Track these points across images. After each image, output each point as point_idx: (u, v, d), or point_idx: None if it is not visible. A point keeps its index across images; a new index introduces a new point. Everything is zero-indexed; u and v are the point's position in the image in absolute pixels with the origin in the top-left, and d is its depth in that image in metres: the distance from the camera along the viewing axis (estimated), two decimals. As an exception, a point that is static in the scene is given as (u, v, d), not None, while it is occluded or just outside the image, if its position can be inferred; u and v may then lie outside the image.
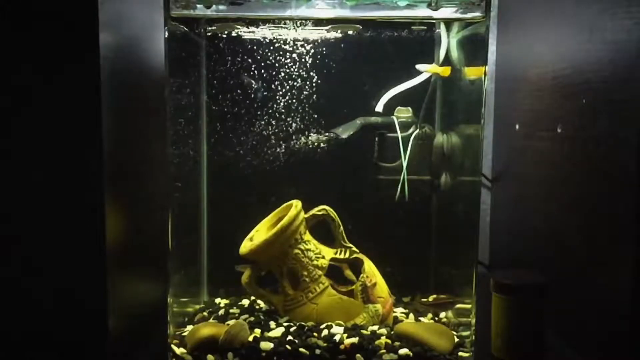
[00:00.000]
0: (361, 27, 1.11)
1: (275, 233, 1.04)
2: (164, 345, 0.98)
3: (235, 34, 1.13)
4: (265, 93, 1.14)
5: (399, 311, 1.13)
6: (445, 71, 1.12)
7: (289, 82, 1.14)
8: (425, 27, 1.13)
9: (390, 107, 1.15)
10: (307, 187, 1.15)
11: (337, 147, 1.16)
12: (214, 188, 1.19)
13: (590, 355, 0.95)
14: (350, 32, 1.12)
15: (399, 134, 1.15)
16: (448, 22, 1.09)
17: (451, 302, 1.08)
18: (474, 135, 1.04)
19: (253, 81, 1.12)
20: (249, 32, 1.12)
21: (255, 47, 1.13)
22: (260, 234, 1.09)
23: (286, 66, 1.13)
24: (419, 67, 1.12)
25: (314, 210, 1.10)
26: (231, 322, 1.02)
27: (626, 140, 0.84)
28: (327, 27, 1.10)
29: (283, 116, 1.15)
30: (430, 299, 1.20)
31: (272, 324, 1.04)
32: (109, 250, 0.87)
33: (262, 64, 1.13)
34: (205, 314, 1.12)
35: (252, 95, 1.14)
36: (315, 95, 1.14)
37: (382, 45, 1.14)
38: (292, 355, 0.94)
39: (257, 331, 1.00)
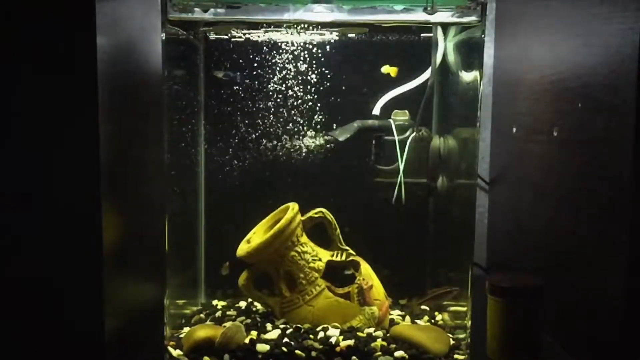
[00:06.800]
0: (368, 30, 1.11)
1: (272, 235, 1.04)
2: (161, 347, 0.98)
3: (233, 37, 1.14)
4: (250, 84, 1.13)
5: (395, 313, 1.14)
6: (393, 71, 1.13)
7: (286, 85, 1.14)
8: (423, 31, 1.13)
9: (387, 110, 1.16)
10: (304, 190, 1.15)
11: (334, 150, 1.16)
12: (212, 190, 1.19)
13: (586, 357, 0.96)
14: (351, 35, 1.12)
15: (396, 137, 1.15)
16: (445, 26, 1.09)
17: (449, 291, 1.08)
18: (470, 138, 1.04)
19: (231, 74, 1.12)
20: (247, 35, 1.13)
21: (252, 50, 1.13)
22: (257, 236, 1.09)
23: (283, 69, 1.14)
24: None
25: (311, 213, 1.10)
26: (228, 324, 1.02)
27: (621, 143, 0.84)
28: (328, 30, 1.10)
29: (280, 119, 1.15)
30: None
31: (269, 326, 1.05)
32: (106, 252, 0.87)
33: (259, 67, 1.14)
34: (202, 315, 1.12)
35: (234, 86, 1.14)
36: (312, 99, 1.15)
37: (379, 48, 1.14)
38: (288, 357, 0.94)
39: (254, 333, 1.01)
